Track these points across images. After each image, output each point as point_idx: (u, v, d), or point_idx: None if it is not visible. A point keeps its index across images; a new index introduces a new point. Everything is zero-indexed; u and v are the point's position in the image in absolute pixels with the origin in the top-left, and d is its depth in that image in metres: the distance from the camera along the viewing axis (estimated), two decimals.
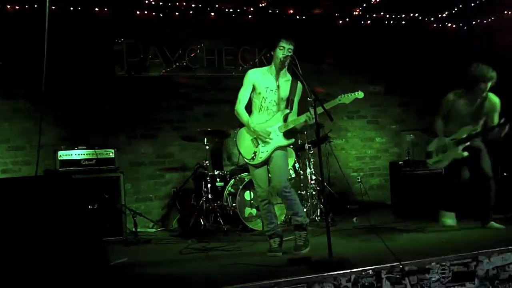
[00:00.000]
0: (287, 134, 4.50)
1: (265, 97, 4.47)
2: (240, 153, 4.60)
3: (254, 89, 4.51)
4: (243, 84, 4.53)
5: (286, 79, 4.52)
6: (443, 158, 5.34)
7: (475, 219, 5.33)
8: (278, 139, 4.46)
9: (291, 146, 6.16)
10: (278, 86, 4.47)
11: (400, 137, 8.01)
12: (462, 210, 5.50)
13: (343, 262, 3.65)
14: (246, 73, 4.56)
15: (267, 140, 4.42)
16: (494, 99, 5.20)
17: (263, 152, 4.44)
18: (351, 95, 4.33)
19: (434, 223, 5.52)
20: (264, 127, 4.46)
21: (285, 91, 4.49)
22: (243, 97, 4.51)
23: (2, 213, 3.48)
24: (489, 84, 5.06)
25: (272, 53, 4.51)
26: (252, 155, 4.47)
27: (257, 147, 4.47)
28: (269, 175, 4.60)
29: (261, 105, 4.50)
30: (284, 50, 4.39)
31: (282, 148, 4.47)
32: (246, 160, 4.53)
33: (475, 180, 5.27)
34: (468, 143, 5.21)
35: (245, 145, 4.54)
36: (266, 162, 4.48)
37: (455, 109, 5.30)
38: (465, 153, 5.17)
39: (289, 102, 4.49)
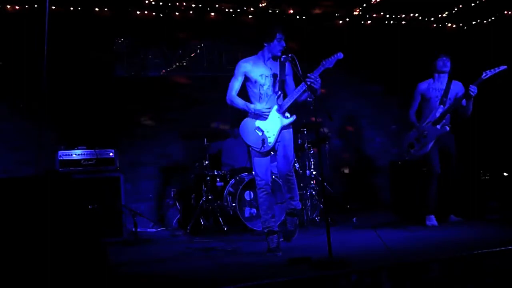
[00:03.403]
0: (288, 113, 4.54)
1: (262, 83, 4.54)
2: (248, 145, 4.60)
3: (248, 79, 4.57)
4: (234, 74, 4.59)
5: (275, 62, 4.61)
6: (427, 141, 5.54)
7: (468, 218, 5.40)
8: (280, 120, 4.51)
9: None
10: (271, 71, 4.56)
11: (400, 137, 8.00)
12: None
13: (343, 262, 3.65)
14: (238, 64, 4.61)
15: (266, 115, 4.49)
16: (457, 81, 5.61)
17: (270, 137, 4.49)
18: (332, 58, 4.40)
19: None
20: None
21: (276, 74, 4.58)
22: (234, 85, 4.57)
23: (2, 213, 3.48)
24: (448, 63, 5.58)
25: (265, 44, 4.53)
26: (261, 142, 4.50)
27: (262, 134, 4.52)
28: (275, 160, 4.69)
29: (260, 93, 4.56)
30: (281, 40, 4.47)
31: (287, 128, 4.55)
32: (257, 150, 4.53)
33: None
34: (444, 120, 5.48)
35: (251, 136, 4.57)
36: (275, 146, 4.52)
37: (425, 98, 5.68)
38: (447, 128, 5.47)
39: (280, 83, 4.57)
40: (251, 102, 4.60)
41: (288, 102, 4.49)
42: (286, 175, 4.56)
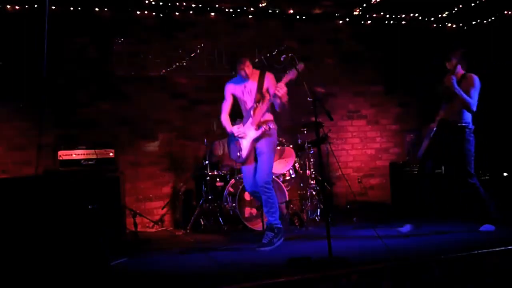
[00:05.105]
0: (259, 125, 4.84)
1: (244, 100, 4.97)
2: (230, 157, 5.10)
3: (236, 98, 5.03)
4: (224, 96, 5.08)
5: (254, 77, 4.92)
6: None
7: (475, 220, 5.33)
8: (251, 133, 4.87)
9: (291, 146, 6.18)
10: (246, 88, 4.94)
11: (400, 137, 8.00)
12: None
13: (343, 262, 3.66)
14: (225, 86, 5.08)
15: (243, 135, 4.87)
16: (471, 76, 5.01)
17: (243, 150, 4.90)
18: (294, 69, 4.50)
19: (433, 223, 5.52)
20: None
21: (252, 89, 4.92)
22: (223, 107, 5.08)
23: (2, 213, 3.49)
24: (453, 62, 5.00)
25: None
26: (238, 154, 4.93)
27: (239, 146, 4.93)
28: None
29: (245, 108, 4.98)
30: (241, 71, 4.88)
31: (262, 139, 4.83)
32: (235, 160, 5.05)
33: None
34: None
35: (231, 148, 5.03)
36: (249, 157, 4.90)
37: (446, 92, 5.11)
38: (434, 129, 5.11)
39: (260, 96, 4.88)
40: (245, 115, 4.98)
41: (258, 115, 4.81)
42: (262, 186, 4.77)
